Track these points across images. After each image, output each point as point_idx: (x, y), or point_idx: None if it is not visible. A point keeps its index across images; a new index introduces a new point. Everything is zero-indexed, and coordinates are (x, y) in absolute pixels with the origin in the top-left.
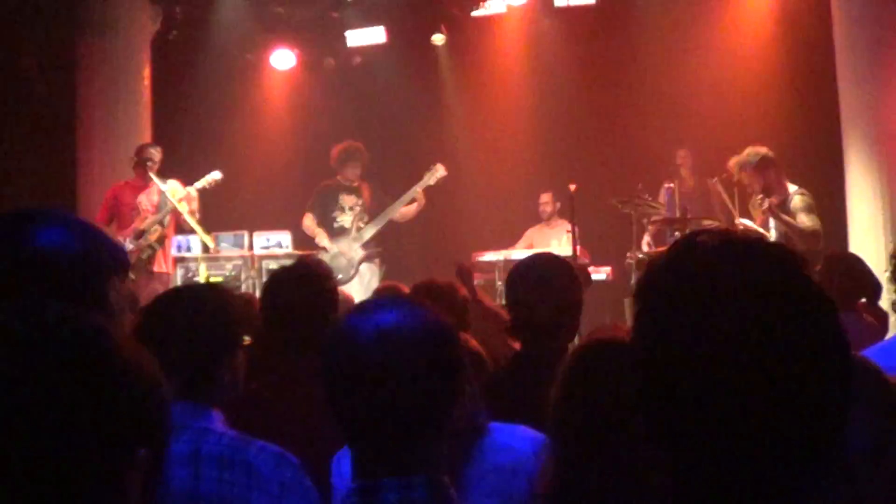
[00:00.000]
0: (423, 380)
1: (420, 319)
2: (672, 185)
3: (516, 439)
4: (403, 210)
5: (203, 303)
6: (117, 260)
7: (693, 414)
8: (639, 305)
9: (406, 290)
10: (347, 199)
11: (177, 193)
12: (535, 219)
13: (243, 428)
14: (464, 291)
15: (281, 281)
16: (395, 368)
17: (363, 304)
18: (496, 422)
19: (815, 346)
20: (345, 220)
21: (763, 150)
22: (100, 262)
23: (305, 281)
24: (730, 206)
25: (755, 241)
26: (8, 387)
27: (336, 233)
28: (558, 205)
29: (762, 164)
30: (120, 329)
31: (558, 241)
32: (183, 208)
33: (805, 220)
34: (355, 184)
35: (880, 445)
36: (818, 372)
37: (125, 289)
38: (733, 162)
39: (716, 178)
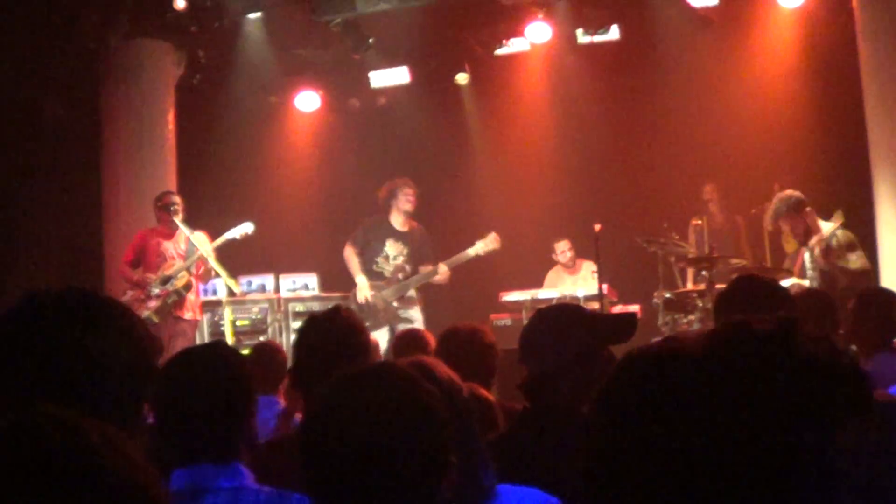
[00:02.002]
0: (403, 461)
1: (403, 398)
2: (700, 221)
3: (526, 503)
4: (438, 278)
5: (214, 362)
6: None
7: None
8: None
9: (429, 337)
10: (394, 247)
11: (203, 244)
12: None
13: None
14: (491, 338)
15: (314, 328)
16: (374, 449)
17: (348, 376)
18: (505, 483)
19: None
20: (385, 268)
21: (791, 193)
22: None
23: (339, 330)
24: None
25: (691, 355)
26: None
27: (373, 277)
28: (572, 254)
29: (797, 207)
30: (112, 435)
31: (574, 281)
32: (208, 255)
33: (854, 259)
34: (405, 228)
35: None
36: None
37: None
38: (767, 215)
39: (740, 217)
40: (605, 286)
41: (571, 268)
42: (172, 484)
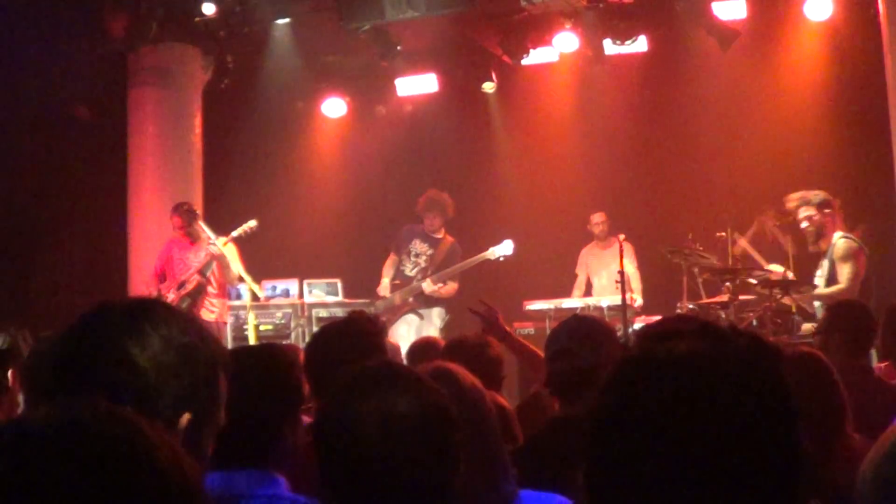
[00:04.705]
0: (423, 462)
1: (421, 404)
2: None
3: None
4: (443, 288)
5: (265, 365)
6: (225, 356)
7: None
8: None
9: (442, 344)
10: (419, 247)
11: (226, 250)
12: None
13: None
14: (497, 348)
15: (326, 335)
16: (395, 455)
17: (362, 384)
18: (527, 489)
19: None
20: (407, 267)
21: (824, 193)
22: (216, 356)
23: (351, 336)
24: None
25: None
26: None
27: (399, 277)
28: (609, 223)
29: (822, 205)
30: (165, 434)
31: (605, 259)
32: (231, 256)
33: (841, 274)
34: (438, 235)
35: None
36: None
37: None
38: (796, 195)
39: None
40: (628, 296)
41: (604, 241)
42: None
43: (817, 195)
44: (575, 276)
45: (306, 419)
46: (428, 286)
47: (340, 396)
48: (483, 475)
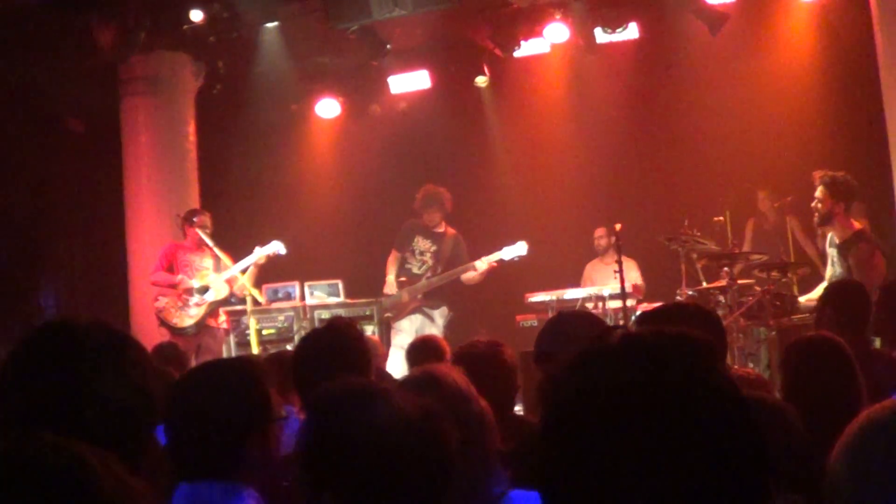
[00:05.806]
0: (413, 476)
1: (411, 421)
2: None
3: None
4: (468, 276)
5: (228, 378)
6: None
7: None
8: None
9: (443, 344)
10: (422, 244)
11: (233, 264)
12: (587, 255)
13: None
14: (510, 354)
15: (307, 345)
16: (377, 472)
17: (350, 399)
18: (519, 489)
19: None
20: (413, 265)
21: (850, 178)
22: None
23: (331, 343)
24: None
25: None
26: None
27: (405, 275)
28: (613, 239)
29: (838, 189)
30: (111, 462)
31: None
32: (241, 278)
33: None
34: (440, 229)
35: None
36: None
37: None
38: (821, 172)
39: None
40: (629, 285)
41: (602, 257)
42: (175, 500)
43: (840, 183)
44: None
45: None
46: (481, 265)
47: (318, 416)
48: (468, 477)
